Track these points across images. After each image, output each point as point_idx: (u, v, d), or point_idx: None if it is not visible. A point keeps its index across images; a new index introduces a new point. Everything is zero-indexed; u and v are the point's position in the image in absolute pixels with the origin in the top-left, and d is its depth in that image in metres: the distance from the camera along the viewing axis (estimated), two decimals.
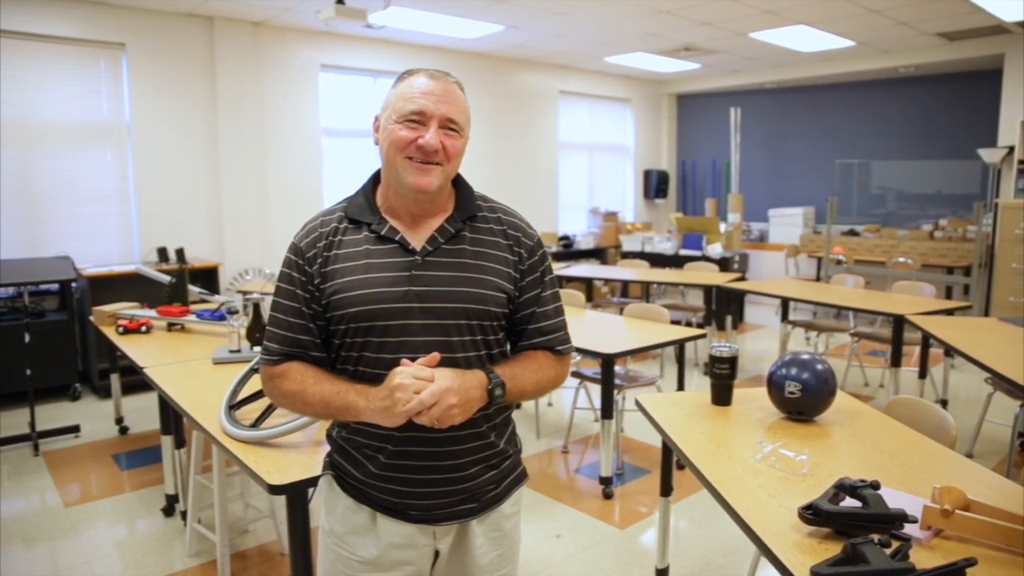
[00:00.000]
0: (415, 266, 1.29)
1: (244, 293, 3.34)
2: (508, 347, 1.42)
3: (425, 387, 1.18)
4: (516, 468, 1.45)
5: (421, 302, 1.27)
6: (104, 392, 4.96)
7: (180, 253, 5.44)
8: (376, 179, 1.39)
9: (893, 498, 1.46)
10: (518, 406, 4.82)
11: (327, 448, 1.45)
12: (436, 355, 1.23)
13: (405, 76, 1.31)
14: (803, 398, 2.03)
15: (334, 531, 1.38)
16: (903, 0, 5.47)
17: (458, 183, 1.39)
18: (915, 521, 1.37)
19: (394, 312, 1.27)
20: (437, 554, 1.38)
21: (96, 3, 5.34)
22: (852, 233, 7.99)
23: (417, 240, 1.31)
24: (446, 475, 1.31)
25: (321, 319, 1.32)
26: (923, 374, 4.28)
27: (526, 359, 1.38)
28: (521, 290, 1.37)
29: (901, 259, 7.09)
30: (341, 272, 1.29)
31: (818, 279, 7.48)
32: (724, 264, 7.10)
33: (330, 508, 1.40)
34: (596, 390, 3.60)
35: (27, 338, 4.07)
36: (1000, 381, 2.86)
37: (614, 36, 6.85)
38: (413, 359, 1.24)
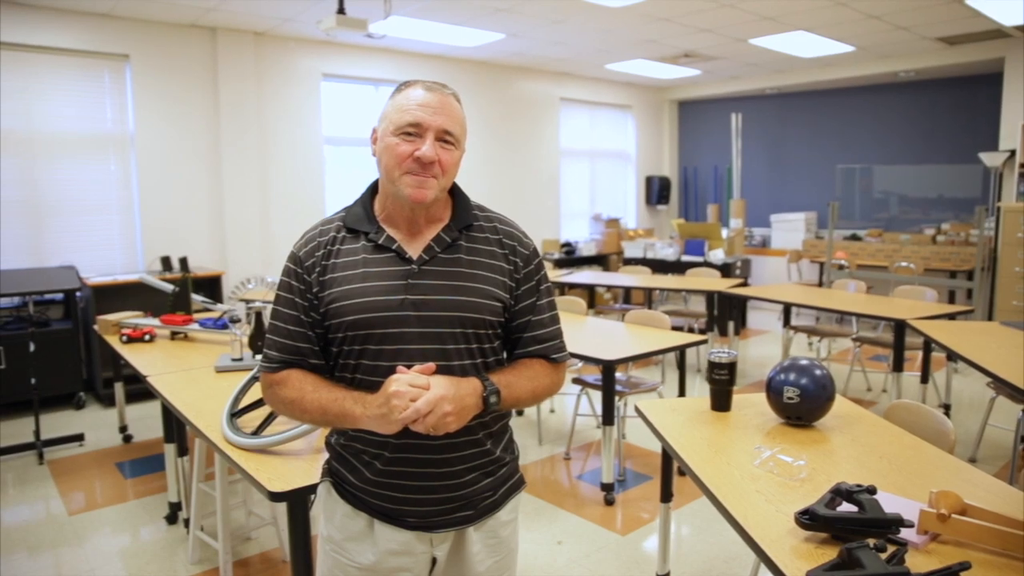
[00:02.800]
0: (411, 275, 1.30)
1: (246, 302, 3.35)
2: (504, 355, 1.43)
3: (421, 395, 1.19)
4: (513, 475, 1.45)
5: (417, 310, 1.28)
6: (108, 401, 4.98)
7: (183, 262, 5.46)
8: (374, 189, 1.41)
9: (890, 503, 1.46)
10: (519, 413, 4.82)
11: (327, 455, 1.46)
12: (432, 365, 1.25)
13: (402, 88, 1.33)
14: (802, 403, 2.03)
15: (332, 537, 1.39)
16: (903, 5, 5.49)
17: (455, 193, 1.41)
18: (911, 525, 1.38)
19: (391, 320, 1.28)
20: (434, 561, 1.38)
21: (99, 15, 5.39)
22: (854, 238, 7.98)
23: (414, 249, 1.33)
24: (442, 482, 1.32)
25: (320, 327, 1.34)
26: (925, 379, 4.28)
27: (521, 367, 1.39)
28: (516, 299, 1.38)
29: (903, 264, 7.08)
30: (339, 281, 1.31)
31: (820, 284, 7.48)
32: (726, 270, 7.11)
33: (328, 514, 1.41)
34: (598, 396, 3.60)
35: (32, 347, 4.09)
36: (1002, 385, 2.86)
37: (614, 43, 6.88)
38: (410, 367, 1.25)
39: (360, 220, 1.36)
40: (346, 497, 1.38)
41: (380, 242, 1.33)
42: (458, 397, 1.22)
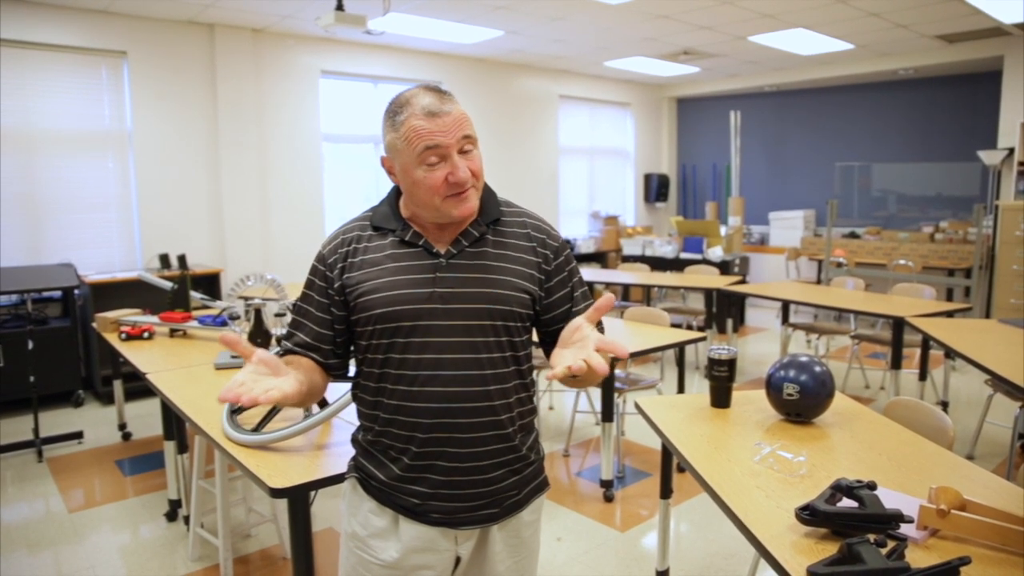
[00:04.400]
0: (439, 268, 1.31)
1: (245, 299, 3.34)
2: (532, 350, 1.43)
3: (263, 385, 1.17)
4: (538, 476, 1.45)
5: (445, 303, 1.29)
6: (107, 398, 4.98)
7: (182, 259, 5.46)
8: (399, 190, 1.40)
9: (890, 498, 1.47)
10: None
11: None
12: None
13: (399, 113, 1.26)
14: (801, 400, 2.04)
15: (356, 534, 1.39)
16: (902, 3, 5.49)
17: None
18: (911, 521, 1.38)
19: (419, 313, 1.28)
20: (458, 561, 1.38)
21: (97, 11, 5.38)
22: (852, 236, 8.00)
23: (441, 244, 1.33)
24: (469, 477, 1.31)
25: (341, 323, 1.36)
26: (923, 376, 4.29)
27: None
28: (548, 291, 1.38)
29: (902, 261, 7.09)
30: (367, 275, 1.32)
31: (819, 282, 7.49)
32: (725, 267, 7.11)
33: (353, 511, 1.41)
34: (597, 393, 3.61)
35: (30, 345, 4.09)
36: (1000, 383, 2.87)
37: (613, 41, 6.88)
38: (439, 360, 1.26)
39: (387, 219, 1.37)
40: (372, 493, 1.38)
41: (407, 238, 1.33)
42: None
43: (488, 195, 1.40)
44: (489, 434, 1.31)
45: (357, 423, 1.43)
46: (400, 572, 1.35)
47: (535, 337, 1.45)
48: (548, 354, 1.44)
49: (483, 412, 1.30)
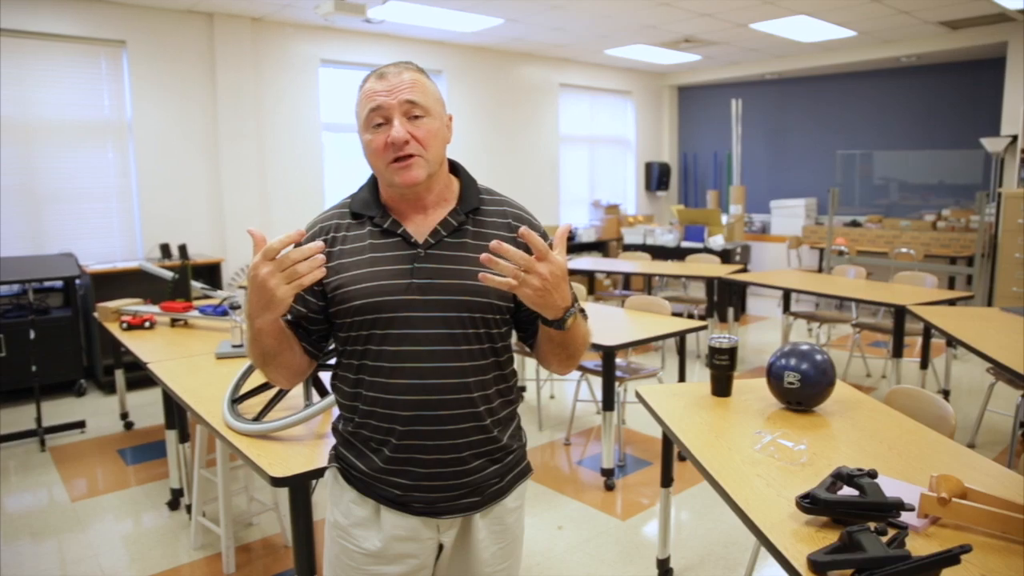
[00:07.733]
0: (418, 259, 1.30)
1: (246, 288, 3.36)
2: (512, 341, 1.42)
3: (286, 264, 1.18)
4: (520, 463, 1.45)
5: (423, 294, 1.28)
6: (109, 388, 4.99)
7: (183, 249, 5.46)
8: None
9: (891, 487, 1.47)
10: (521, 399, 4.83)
11: (331, 441, 1.46)
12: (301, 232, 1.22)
13: (363, 84, 1.32)
14: (802, 388, 2.03)
15: (339, 523, 1.40)
16: None
17: (461, 176, 1.40)
18: (912, 509, 1.38)
19: (397, 304, 1.27)
20: (441, 547, 1.38)
21: (96, 0, 5.35)
22: (854, 224, 7.98)
23: (420, 233, 1.32)
24: (449, 468, 1.32)
25: (316, 312, 1.34)
26: (925, 364, 4.28)
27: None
28: None
29: (903, 250, 7.08)
30: (346, 266, 1.31)
31: (820, 270, 7.48)
32: (726, 256, 7.10)
33: (335, 500, 1.41)
34: (598, 382, 3.61)
35: (32, 335, 4.09)
36: (1002, 371, 2.86)
37: (613, 28, 6.84)
38: (417, 352, 1.25)
39: (367, 205, 1.35)
40: (353, 483, 1.38)
41: (386, 226, 1.32)
42: (562, 284, 1.19)
43: (468, 184, 1.39)
44: (468, 425, 1.31)
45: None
46: (383, 560, 1.35)
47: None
48: (525, 341, 1.44)
49: (462, 404, 1.30)
